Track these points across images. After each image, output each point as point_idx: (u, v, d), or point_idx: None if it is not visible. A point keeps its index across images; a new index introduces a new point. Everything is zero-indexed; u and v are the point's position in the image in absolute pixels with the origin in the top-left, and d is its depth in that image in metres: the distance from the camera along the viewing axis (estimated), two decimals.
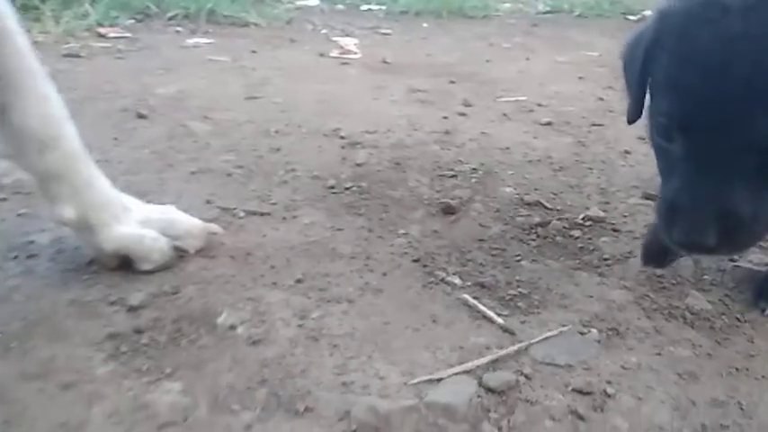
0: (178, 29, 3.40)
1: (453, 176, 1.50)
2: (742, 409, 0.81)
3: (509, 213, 1.32)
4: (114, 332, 0.91)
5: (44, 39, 2.86)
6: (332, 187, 1.43)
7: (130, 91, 2.13)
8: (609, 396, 0.82)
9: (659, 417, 0.79)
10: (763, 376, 0.87)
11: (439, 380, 0.83)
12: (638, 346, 0.92)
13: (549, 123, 1.93)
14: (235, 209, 1.30)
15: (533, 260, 1.15)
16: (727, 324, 0.98)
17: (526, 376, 0.85)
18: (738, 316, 1.00)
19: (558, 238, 1.22)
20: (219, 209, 1.30)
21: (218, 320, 0.94)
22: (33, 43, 1.02)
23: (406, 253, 1.16)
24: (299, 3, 4.82)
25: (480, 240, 1.21)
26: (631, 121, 0.97)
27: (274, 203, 1.35)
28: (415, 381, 0.83)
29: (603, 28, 3.88)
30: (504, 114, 2.02)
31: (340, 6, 4.69)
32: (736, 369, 0.88)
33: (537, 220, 1.28)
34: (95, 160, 1.41)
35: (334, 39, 3.10)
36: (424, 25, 3.96)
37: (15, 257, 1.11)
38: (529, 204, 1.35)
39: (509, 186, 1.45)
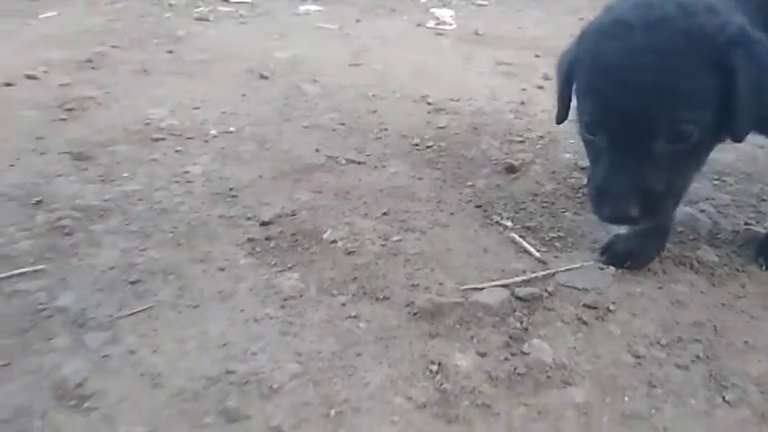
0: None
1: (521, 142, 1.75)
2: (716, 330, 1.05)
3: (563, 175, 1.57)
4: (251, 237, 1.27)
5: (177, 2, 3.30)
6: (416, 145, 1.73)
7: (253, 54, 2.50)
8: (610, 311, 1.08)
9: (646, 329, 1.05)
10: (742, 311, 1.10)
11: (482, 288, 1.12)
12: (644, 281, 1.17)
13: None
14: (337, 157, 1.63)
15: (575, 213, 1.40)
16: (726, 273, 1.20)
17: (549, 293, 1.13)
18: (738, 267, 1.21)
19: None
20: (326, 156, 1.64)
21: (323, 236, 1.28)
22: (168, 6, 1.36)
23: (470, 200, 1.45)
24: None
25: (534, 195, 1.47)
26: (559, 122, 1.20)
27: (369, 155, 1.66)
28: (464, 287, 1.13)
29: None
30: None
31: None
32: (722, 304, 1.11)
33: (586, 182, 1.52)
34: (225, 113, 1.79)
35: (432, 10, 3.33)
36: None
37: (177, 182, 1.49)
38: (582, 169, 1.59)
39: (568, 153, 1.69)
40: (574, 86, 1.11)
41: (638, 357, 0.99)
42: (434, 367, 0.95)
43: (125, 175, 1.51)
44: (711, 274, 1.20)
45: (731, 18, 0.98)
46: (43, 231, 1.27)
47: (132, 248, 1.22)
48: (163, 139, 1.71)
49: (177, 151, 1.65)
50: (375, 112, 1.96)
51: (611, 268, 1.20)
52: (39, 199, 1.38)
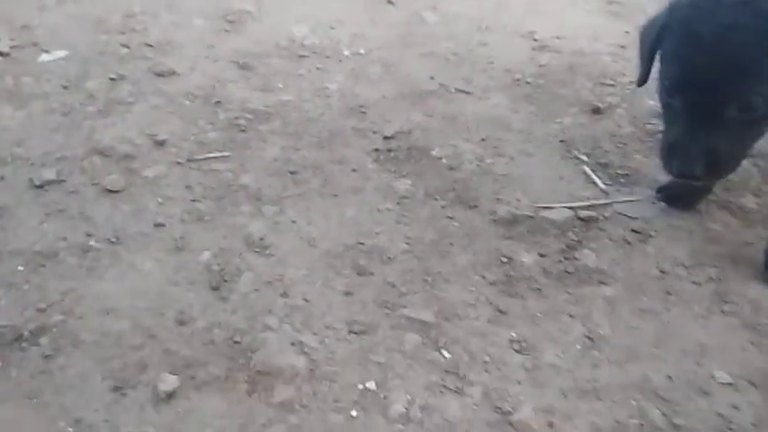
0: None
1: (611, 85, 1.98)
2: (733, 261, 1.33)
3: (642, 120, 1.81)
4: (376, 148, 1.64)
5: None
6: (517, 80, 2.00)
7: None
8: (651, 237, 1.39)
9: (677, 253, 1.35)
10: (761, 250, 1.36)
11: (551, 207, 1.45)
12: (687, 217, 1.45)
13: None
14: (448, 85, 1.94)
15: (645, 156, 1.66)
16: (760, 218, 1.45)
17: (605, 217, 1.44)
18: None
19: None
20: (438, 84, 1.95)
21: (432, 152, 1.63)
22: None
23: (556, 135, 1.73)
24: None
25: (612, 135, 1.74)
26: (640, 84, 1.31)
27: (475, 86, 1.96)
28: (537, 205, 1.46)
29: None
30: None
31: None
32: (747, 243, 1.39)
33: (660, 128, 1.76)
34: (356, 35, 2.10)
35: None
36: None
37: (319, 96, 1.87)
38: (660, 116, 1.82)
39: (652, 101, 1.91)
40: (659, 52, 1.22)
41: (663, 272, 1.30)
42: (505, 260, 1.31)
43: (280, 86, 1.90)
44: (746, 219, 1.46)
45: None
46: (225, 126, 1.69)
47: (289, 147, 1.63)
48: (306, 56, 2.08)
49: (318, 68, 2.01)
50: (486, 44, 2.22)
51: (662, 204, 1.48)
52: (218, 100, 1.80)
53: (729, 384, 1.08)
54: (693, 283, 1.28)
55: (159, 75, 1.90)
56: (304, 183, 1.51)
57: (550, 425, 1.00)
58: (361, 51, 2.13)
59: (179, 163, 1.56)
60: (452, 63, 2.09)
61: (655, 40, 1.22)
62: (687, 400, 1.05)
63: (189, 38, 2.14)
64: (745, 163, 1.59)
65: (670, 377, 1.08)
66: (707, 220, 1.45)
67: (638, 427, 1.00)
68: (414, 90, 1.92)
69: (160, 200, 1.44)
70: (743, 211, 1.47)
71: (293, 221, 1.39)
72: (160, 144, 1.61)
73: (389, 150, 1.64)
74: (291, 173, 1.54)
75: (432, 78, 1.99)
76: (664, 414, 1.02)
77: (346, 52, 2.12)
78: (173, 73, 1.92)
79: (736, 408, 1.04)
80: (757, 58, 1.09)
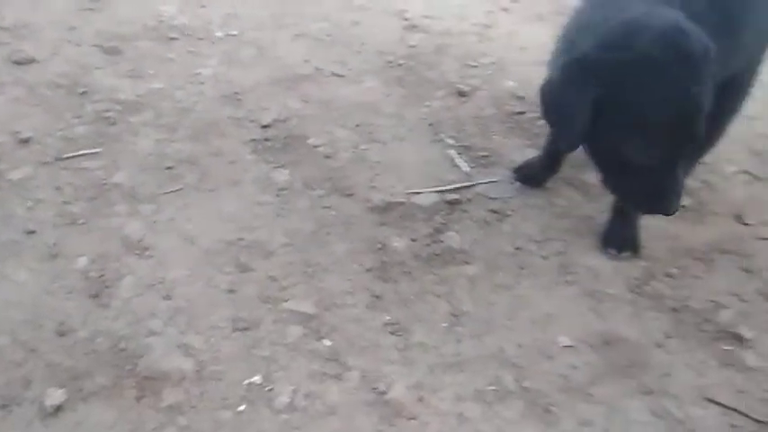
0: None
1: (475, 67, 2.12)
2: (577, 233, 1.52)
3: (502, 102, 1.96)
4: (253, 138, 1.67)
5: None
6: (389, 62, 2.08)
7: None
8: (508, 216, 1.54)
9: (530, 230, 1.51)
10: (599, 223, 1.56)
11: (420, 193, 1.56)
12: (539, 194, 1.61)
13: None
14: (323, 69, 1.99)
15: (503, 137, 1.82)
16: (599, 192, 1.65)
17: (468, 199, 1.57)
18: None
19: (526, 125, 1.87)
20: (313, 68, 1.99)
21: (309, 141, 1.68)
22: None
23: (425, 119, 1.84)
24: None
25: (475, 118, 1.88)
26: (570, 148, 1.27)
27: (349, 69, 2.02)
28: (408, 191, 1.57)
29: None
30: (539, 15, 2.53)
31: None
32: (588, 216, 1.58)
33: (518, 109, 1.92)
34: (229, 14, 2.08)
35: None
36: None
37: (192, 83, 1.85)
38: (518, 97, 1.98)
39: (511, 81, 2.06)
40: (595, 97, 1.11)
41: (518, 249, 1.46)
42: (379, 246, 1.41)
43: (150, 72, 1.86)
44: (588, 193, 1.65)
45: None
46: (93, 119, 1.65)
47: (163, 140, 1.62)
48: (176, 38, 2.03)
49: (190, 52, 1.98)
50: (358, 24, 2.27)
51: (518, 183, 1.64)
52: (84, 90, 1.74)
53: (570, 347, 1.26)
54: (542, 257, 1.45)
55: (17, 63, 1.80)
56: (180, 178, 1.52)
57: (420, 399, 1.12)
58: (234, 32, 2.12)
59: (46, 162, 1.51)
60: (326, 44, 2.13)
61: (602, 83, 1.11)
62: (534, 365, 1.21)
63: (47, 19, 2.03)
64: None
65: (520, 345, 1.25)
66: (555, 196, 1.62)
67: (494, 392, 1.16)
68: (289, 74, 1.95)
69: (29, 204, 1.40)
70: (586, 187, 1.67)
71: (171, 220, 1.41)
72: (24, 142, 1.55)
73: (267, 140, 1.67)
74: (167, 168, 1.54)
75: (306, 61, 2.02)
76: (515, 379, 1.18)
77: (219, 33, 2.10)
78: (32, 60, 1.82)
79: (575, 368, 1.22)
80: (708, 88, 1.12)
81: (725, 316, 1.34)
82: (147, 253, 1.33)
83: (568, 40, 1.27)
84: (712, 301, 1.38)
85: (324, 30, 2.20)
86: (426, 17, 2.38)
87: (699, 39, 1.12)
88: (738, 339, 1.30)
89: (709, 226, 1.58)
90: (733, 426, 1.15)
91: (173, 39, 2.03)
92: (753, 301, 1.39)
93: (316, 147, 1.67)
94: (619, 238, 1.48)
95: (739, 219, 1.62)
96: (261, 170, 1.58)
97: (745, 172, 1.78)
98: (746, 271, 1.47)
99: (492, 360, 1.21)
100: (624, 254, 1.47)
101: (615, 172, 1.24)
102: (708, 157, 1.60)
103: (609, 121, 1.13)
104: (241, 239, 1.39)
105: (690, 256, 1.49)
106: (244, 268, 1.33)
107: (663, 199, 1.19)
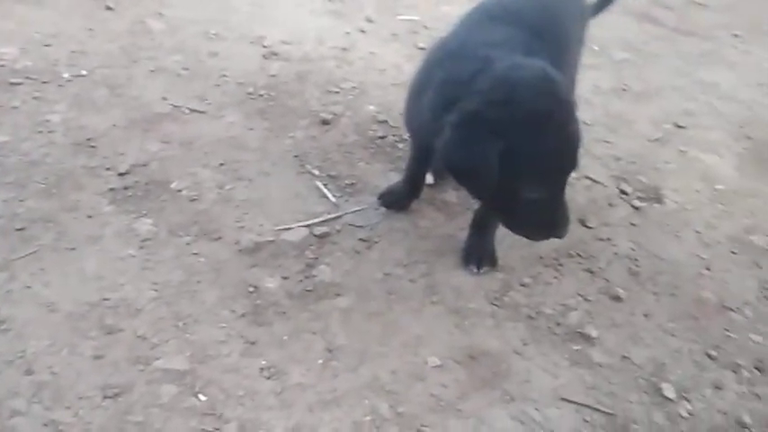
0: None
1: (336, 93, 2.17)
2: (439, 253, 1.61)
3: (364, 127, 2.03)
4: (112, 187, 1.62)
5: None
6: (250, 93, 2.08)
7: None
8: (376, 243, 1.61)
9: (397, 254, 1.58)
10: (461, 240, 1.66)
11: (290, 228, 1.59)
12: (404, 218, 1.69)
13: (423, 48, 2.56)
14: (182, 107, 1.96)
15: (367, 162, 1.88)
16: (459, 210, 1.76)
17: (337, 230, 1.62)
18: (468, 206, 1.77)
19: (388, 149, 1.95)
20: (171, 106, 1.96)
21: (171, 185, 1.66)
22: None
23: (290, 150, 1.87)
24: None
25: (340, 146, 1.93)
26: (488, 202, 1.37)
27: (209, 103, 2.00)
28: (277, 228, 1.59)
29: None
30: (395, 35, 2.63)
31: None
32: (449, 235, 1.68)
33: (380, 134, 2.00)
34: (75, 51, 2.00)
35: None
36: None
37: (40, 132, 1.76)
38: (379, 122, 2.05)
39: (372, 105, 2.14)
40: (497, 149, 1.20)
41: (386, 275, 1.53)
42: (252, 289, 1.43)
43: None
44: (449, 213, 1.76)
45: None
46: None
47: (12, 198, 1.54)
48: (20, 83, 1.92)
49: (35, 98, 1.88)
50: (216, 55, 2.25)
51: (383, 209, 1.71)
52: None
53: (439, 366, 1.34)
54: (410, 280, 1.53)
55: None
56: (34, 239, 1.45)
57: None
58: (83, 72, 2.03)
59: None
60: (184, 79, 2.10)
61: (501, 137, 1.20)
62: (407, 389, 1.29)
63: None
64: None
65: (394, 371, 1.32)
66: (419, 218, 1.71)
67: (371, 422, 1.21)
68: (146, 114, 1.90)
69: None
70: (447, 206, 1.77)
71: (28, 287, 1.35)
72: None
73: (126, 188, 1.63)
74: (18, 230, 1.46)
75: (164, 99, 1.98)
76: (390, 406, 1.25)
77: (66, 74, 2.01)
78: None
79: (444, 386, 1.30)
80: None
81: (573, 318, 1.49)
82: (4, 326, 1.27)
83: (445, 94, 1.31)
84: (562, 305, 1.52)
85: (180, 63, 2.17)
86: (285, 43, 2.40)
87: (562, 81, 1.26)
88: (586, 338, 1.45)
89: None
90: (585, 420, 1.29)
91: (15, 84, 1.91)
92: (596, 301, 1.55)
93: (179, 191, 1.65)
94: (478, 255, 1.59)
95: (583, 222, 1.79)
96: (122, 222, 1.54)
97: (586, 177, 1.97)
98: (590, 272, 1.63)
99: (367, 390, 1.27)
100: (484, 269, 1.58)
101: (514, 211, 1.33)
102: None
103: (508, 169, 1.22)
104: (106, 299, 1.35)
105: (542, 264, 1.64)
106: (110, 330, 1.30)
107: (560, 225, 1.33)
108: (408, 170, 1.70)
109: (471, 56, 1.30)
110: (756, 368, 1.44)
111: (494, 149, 1.20)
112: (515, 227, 1.39)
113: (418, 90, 1.44)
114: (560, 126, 1.24)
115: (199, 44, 2.29)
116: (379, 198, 1.73)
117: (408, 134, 1.66)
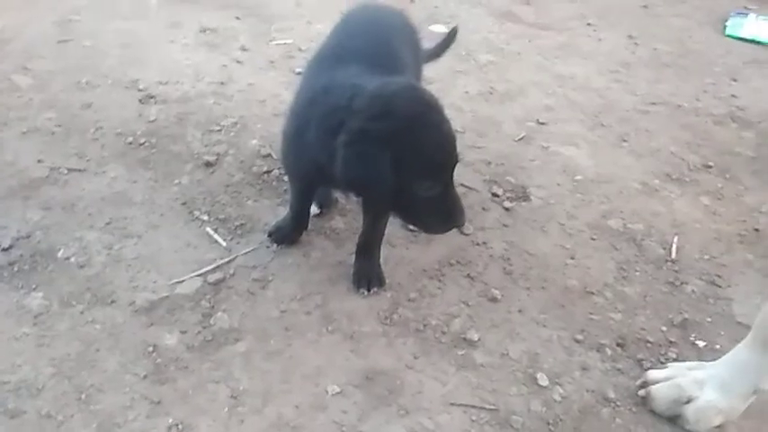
0: None
1: (218, 131, 2.22)
2: (330, 282, 1.72)
3: (249, 164, 2.10)
4: None
5: None
6: (130, 143, 2.10)
7: None
8: (270, 281, 1.69)
9: (291, 290, 1.68)
10: (348, 267, 1.78)
11: (183, 281, 1.65)
12: (295, 252, 1.79)
13: (300, 73, 2.65)
14: (60, 167, 1.95)
15: (255, 200, 1.96)
16: (347, 236, 1.87)
17: (231, 275, 1.70)
18: (354, 231, 1.89)
19: (274, 184, 2.03)
20: (49, 168, 1.95)
21: (58, 254, 1.68)
22: None
23: (177, 198, 1.92)
24: None
25: (227, 186, 1.99)
26: (387, 207, 1.52)
27: (89, 160, 2.01)
28: (171, 282, 1.65)
29: None
30: (271, 62, 2.70)
31: None
32: (339, 262, 1.79)
33: (265, 168, 2.08)
34: None
35: None
36: None
37: None
38: (263, 156, 2.13)
39: (255, 139, 2.21)
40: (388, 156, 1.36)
41: (283, 312, 1.63)
42: (151, 348, 1.49)
43: None
44: (338, 240, 1.87)
45: None
46: None
47: None
48: None
49: None
50: (90, 106, 2.24)
51: (275, 246, 1.80)
52: None
53: (339, 393, 1.46)
54: (306, 313, 1.63)
55: None
56: None
57: None
58: None
59: None
60: (59, 137, 2.09)
61: (391, 147, 1.37)
62: (311, 421, 1.39)
63: None
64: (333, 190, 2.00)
65: (297, 406, 1.42)
66: (310, 250, 1.82)
67: None
68: (23, 181, 1.89)
69: None
70: (335, 233, 1.88)
71: None
72: None
73: (11, 264, 1.64)
74: None
75: (40, 162, 1.97)
76: None
77: None
78: None
79: (345, 412, 1.42)
80: None
81: (457, 324, 1.64)
82: None
83: (329, 123, 1.43)
84: (447, 314, 1.68)
85: (53, 120, 2.15)
86: (161, 83, 2.42)
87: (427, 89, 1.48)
88: (469, 342, 1.60)
89: (438, 243, 1.88)
90: (473, 420, 1.44)
91: None
92: (476, 305, 1.71)
93: (67, 258, 1.67)
94: (366, 277, 1.71)
95: (460, 230, 1.94)
96: (11, 300, 1.55)
97: (461, 185, 2.13)
98: (470, 278, 1.79)
99: (274, 429, 1.37)
100: (373, 290, 1.71)
101: (412, 209, 1.49)
102: None
103: (401, 173, 1.39)
104: (5, 383, 1.37)
105: (426, 276, 1.78)
106: (14, 414, 1.32)
107: (457, 214, 1.49)
108: (293, 206, 1.79)
109: (341, 86, 1.46)
110: (618, 344, 1.65)
111: (384, 159, 1.38)
112: (419, 224, 1.57)
113: (296, 134, 1.56)
114: (436, 127, 1.43)
115: (70, 96, 2.28)
116: (269, 236, 1.81)
117: (289, 176, 1.76)
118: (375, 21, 1.78)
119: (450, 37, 2.23)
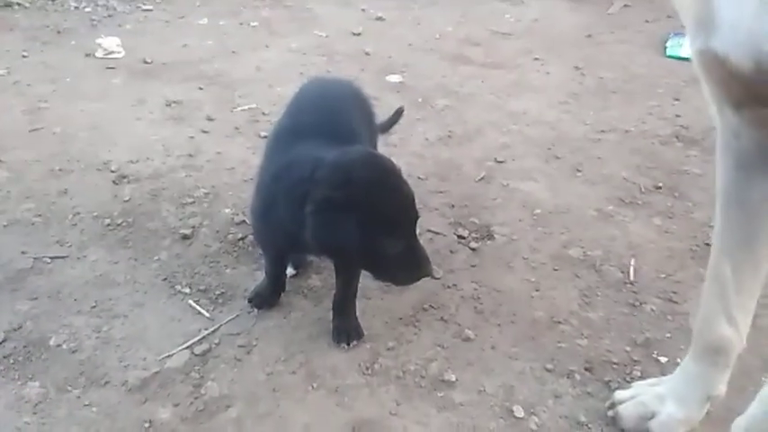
0: None
1: (192, 203, 2.33)
2: (311, 338, 1.82)
3: (224, 232, 2.20)
4: None
5: None
6: (108, 225, 2.19)
7: None
8: (254, 345, 1.78)
9: (275, 352, 1.76)
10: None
11: (171, 355, 1.74)
12: (276, 315, 1.88)
13: (266, 136, 2.77)
14: (43, 257, 2.04)
15: (233, 267, 2.06)
16: (324, 293, 1.97)
17: (216, 344, 1.78)
18: (330, 287, 1.99)
19: (250, 249, 2.13)
20: (32, 258, 2.03)
21: (50, 342, 1.75)
22: None
23: (158, 274, 2.01)
24: None
25: (205, 257, 2.09)
26: (354, 264, 1.68)
27: (70, 246, 2.09)
28: (160, 357, 1.73)
29: None
30: (237, 128, 2.83)
31: None
32: (319, 319, 1.89)
33: (240, 235, 2.18)
34: None
35: (98, 40, 3.54)
36: None
37: None
38: (237, 223, 2.23)
39: (228, 208, 2.31)
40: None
41: (269, 374, 1.71)
42: (147, 424, 1.56)
43: None
44: (316, 297, 1.96)
45: None
46: None
47: None
48: None
49: None
50: (66, 192, 2.34)
51: (256, 310, 1.89)
52: None
53: None
54: (291, 373, 1.72)
55: None
56: None
57: None
58: None
59: None
60: (39, 227, 2.17)
61: (350, 220, 1.49)
62: None
63: None
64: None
65: None
66: (289, 310, 1.91)
67: None
68: (9, 274, 1.97)
69: None
70: (313, 291, 1.98)
71: None
72: None
73: (6, 357, 1.70)
74: None
75: (24, 253, 2.05)
76: None
77: None
78: None
79: None
80: None
81: (434, 368, 1.74)
82: None
83: (296, 195, 1.55)
84: (424, 358, 1.77)
85: (32, 210, 2.24)
86: (132, 162, 2.53)
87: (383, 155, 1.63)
88: (447, 384, 1.70)
89: (412, 290, 1.98)
90: None
91: None
92: (451, 346, 1.81)
93: (59, 345, 1.75)
94: (345, 332, 1.81)
95: (430, 275, 2.05)
96: (10, 392, 1.61)
97: (428, 230, 2.25)
98: (443, 320, 1.90)
99: None
100: (353, 342, 1.80)
101: (380, 265, 1.61)
102: None
103: (366, 234, 1.50)
104: None
105: (402, 324, 1.88)
106: None
107: (422, 265, 1.61)
108: (269, 271, 1.89)
109: (303, 160, 1.59)
110: (586, 369, 1.76)
111: (349, 223, 1.49)
112: (389, 278, 1.68)
113: (265, 209, 1.67)
114: (394, 189, 1.56)
115: (46, 185, 2.37)
116: (249, 302, 1.90)
117: (262, 247, 1.86)
118: (327, 94, 1.92)
119: (398, 114, 2.38)
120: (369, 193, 1.51)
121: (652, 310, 1.95)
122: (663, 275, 2.08)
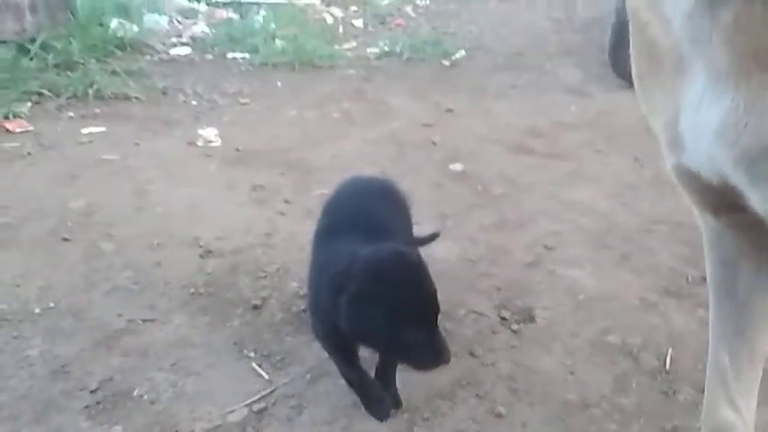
0: (71, 114, 4.27)
1: (264, 277, 2.63)
2: (358, 406, 2.01)
3: (290, 304, 2.47)
4: (86, 405, 2.00)
5: None
6: (192, 294, 2.53)
7: (50, 208, 3.09)
8: (304, 407, 2.00)
9: (322, 415, 1.98)
10: None
11: (233, 411, 1.98)
12: (329, 381, 2.10)
13: None
14: (136, 319, 2.38)
15: (293, 336, 2.31)
16: None
17: (273, 403, 2.02)
18: None
19: (308, 320, 2.38)
20: (127, 320, 2.38)
21: (134, 393, 2.05)
22: None
23: (230, 339, 2.29)
24: (172, 52, 5.70)
25: (270, 325, 2.36)
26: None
27: (158, 311, 2.43)
28: (224, 412, 1.98)
29: (420, 81, 5.08)
30: (309, 211, 3.15)
31: (209, 56, 5.61)
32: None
33: (302, 307, 2.44)
34: (42, 287, 2.44)
35: (199, 131, 4.06)
36: (279, 84, 5.00)
37: (23, 367, 2.15)
38: (300, 296, 2.51)
39: (295, 282, 2.60)
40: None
41: None
42: None
43: None
44: (364, 367, 2.17)
45: None
46: None
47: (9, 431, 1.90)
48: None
49: (15, 337, 2.28)
50: (160, 264, 2.71)
51: (308, 376, 2.12)
52: None
53: None
54: None
55: None
56: None
57: None
58: (51, 305, 2.45)
59: None
60: (135, 293, 2.53)
61: (380, 311, 1.69)
62: None
63: None
64: None
65: None
66: (338, 378, 2.11)
67: None
68: (106, 333, 2.31)
69: None
70: (361, 361, 2.18)
71: None
72: None
73: (98, 403, 2.01)
74: None
75: (120, 315, 2.40)
76: None
77: (37, 309, 2.42)
78: None
79: None
80: None
81: None
82: None
83: (333, 287, 1.76)
84: (457, 430, 1.92)
85: (131, 278, 2.61)
86: (218, 239, 2.89)
87: (412, 251, 1.82)
88: None
89: (451, 367, 2.14)
90: None
91: None
92: (483, 421, 1.95)
93: (141, 396, 2.04)
94: (385, 401, 1.99)
95: (471, 353, 2.22)
96: None
97: (473, 311, 2.43)
98: (478, 397, 2.04)
99: None
100: (392, 411, 1.98)
101: (402, 351, 1.79)
102: (444, 306, 2.21)
103: (392, 325, 1.71)
104: None
105: (439, 397, 2.04)
106: None
107: (439, 354, 1.77)
108: (352, 377, 1.99)
109: (342, 255, 1.83)
110: None
111: (378, 315, 1.70)
112: (411, 363, 1.84)
113: (316, 302, 1.93)
114: (418, 285, 1.75)
115: (145, 257, 2.75)
116: (375, 415, 1.98)
117: (326, 346, 2.00)
118: (363, 192, 2.20)
119: (433, 237, 2.56)
120: (394, 288, 1.71)
121: (685, 399, 2.01)
122: (700, 366, 2.13)
